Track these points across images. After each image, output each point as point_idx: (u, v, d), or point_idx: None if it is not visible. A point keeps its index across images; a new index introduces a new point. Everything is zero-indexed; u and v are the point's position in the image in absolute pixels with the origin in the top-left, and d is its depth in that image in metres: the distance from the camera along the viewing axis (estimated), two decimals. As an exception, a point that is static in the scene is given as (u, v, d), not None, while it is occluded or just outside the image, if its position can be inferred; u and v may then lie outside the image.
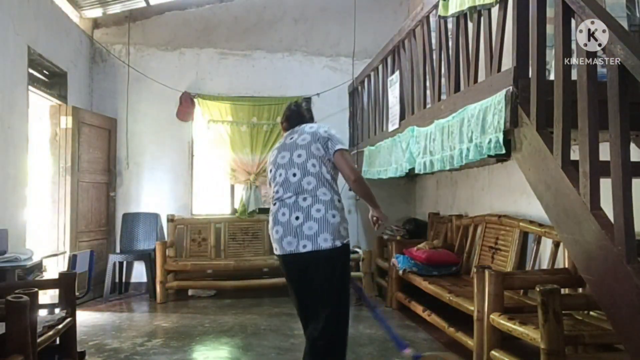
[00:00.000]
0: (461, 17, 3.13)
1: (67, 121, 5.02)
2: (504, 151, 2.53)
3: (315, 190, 2.49)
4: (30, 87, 4.37)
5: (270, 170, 2.64)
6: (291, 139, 2.65)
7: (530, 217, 3.67)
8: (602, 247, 1.80)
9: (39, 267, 3.85)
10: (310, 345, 2.60)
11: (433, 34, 3.74)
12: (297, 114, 2.77)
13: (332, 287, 2.52)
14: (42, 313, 3.05)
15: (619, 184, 1.73)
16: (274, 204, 2.56)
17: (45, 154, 4.99)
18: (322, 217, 2.45)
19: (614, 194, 1.76)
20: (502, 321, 2.71)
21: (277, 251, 2.55)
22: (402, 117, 4.33)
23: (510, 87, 2.44)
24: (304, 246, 2.43)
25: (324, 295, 2.52)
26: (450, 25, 3.35)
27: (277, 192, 2.56)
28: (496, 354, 2.76)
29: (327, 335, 2.57)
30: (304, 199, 2.48)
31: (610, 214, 1.80)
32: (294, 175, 2.52)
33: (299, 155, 2.55)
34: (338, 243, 2.46)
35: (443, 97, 3.54)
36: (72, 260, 3.49)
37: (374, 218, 2.85)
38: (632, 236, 1.71)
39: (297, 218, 2.45)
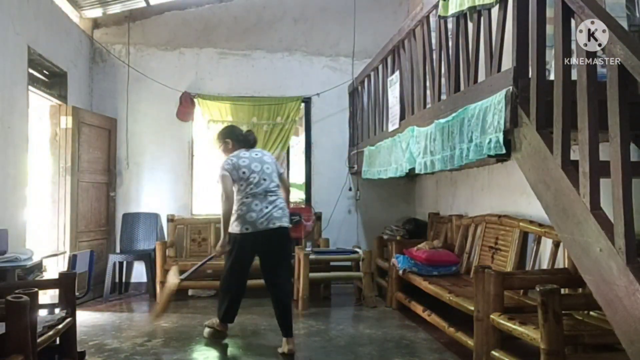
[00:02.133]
0: (461, 17, 3.13)
1: (67, 121, 5.01)
2: (504, 151, 2.53)
3: (277, 191, 3.74)
4: (30, 87, 4.37)
5: (244, 172, 3.64)
6: (256, 154, 3.79)
7: (530, 217, 3.68)
8: (602, 247, 1.81)
9: (39, 267, 3.85)
10: (282, 303, 3.71)
11: (433, 34, 3.74)
12: (255, 140, 3.94)
13: (289, 255, 3.92)
14: (42, 313, 3.05)
15: (619, 184, 1.74)
16: (247, 198, 3.60)
17: (45, 154, 4.99)
18: (283, 207, 3.72)
19: (614, 194, 1.76)
20: (502, 321, 2.71)
21: (248, 230, 3.56)
22: (402, 117, 4.33)
23: (510, 87, 2.44)
24: (274, 224, 3.60)
25: (286, 261, 3.82)
26: (450, 25, 3.35)
27: (251, 189, 3.62)
28: (496, 354, 2.76)
29: (289, 292, 3.92)
30: (271, 196, 3.67)
31: (610, 214, 1.80)
32: (264, 180, 3.68)
33: (267, 168, 3.74)
34: (289, 224, 3.75)
35: (443, 97, 3.54)
36: (72, 260, 3.49)
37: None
38: (632, 236, 1.71)
39: (266, 207, 3.61)
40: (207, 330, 3.98)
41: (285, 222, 3.66)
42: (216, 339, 3.89)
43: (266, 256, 3.67)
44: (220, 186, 3.68)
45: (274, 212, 3.61)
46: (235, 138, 3.89)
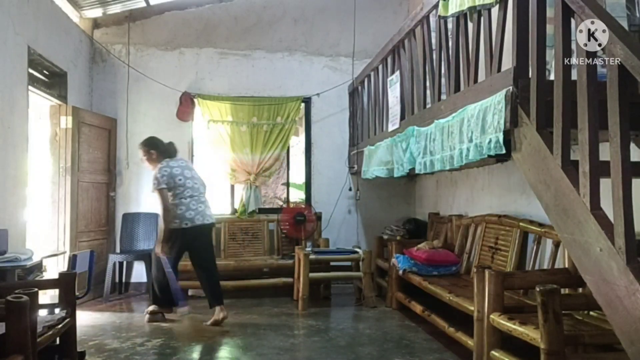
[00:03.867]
0: (461, 17, 3.13)
1: (67, 121, 5.01)
2: (504, 151, 2.53)
3: (204, 193, 4.51)
4: (30, 87, 4.37)
5: (180, 179, 4.32)
6: (182, 163, 4.50)
7: (530, 217, 3.68)
8: (602, 247, 1.81)
9: (39, 267, 3.84)
10: (213, 278, 4.42)
11: (433, 34, 3.74)
12: (176, 150, 4.58)
13: (212, 244, 4.62)
14: (42, 313, 3.05)
15: (619, 184, 1.74)
16: (185, 199, 4.31)
17: (45, 154, 4.99)
18: (209, 206, 4.50)
19: (614, 194, 1.76)
20: (502, 321, 2.71)
21: (187, 225, 4.25)
22: (402, 117, 4.33)
23: (510, 87, 2.44)
24: (207, 220, 4.39)
25: (211, 247, 4.54)
26: (450, 25, 3.35)
27: (188, 192, 4.34)
28: (496, 354, 2.76)
29: (216, 270, 4.52)
30: (201, 197, 4.44)
31: (610, 214, 1.80)
32: (195, 184, 4.42)
33: (194, 174, 4.50)
34: (214, 220, 4.54)
35: (443, 97, 3.54)
36: (72, 260, 3.49)
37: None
38: (632, 236, 1.71)
39: (200, 206, 4.36)
40: (148, 317, 4.46)
41: (212, 219, 4.49)
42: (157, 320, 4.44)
43: (199, 245, 4.38)
44: (159, 198, 4.25)
45: (205, 210, 4.40)
46: (159, 149, 4.47)
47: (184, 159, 4.59)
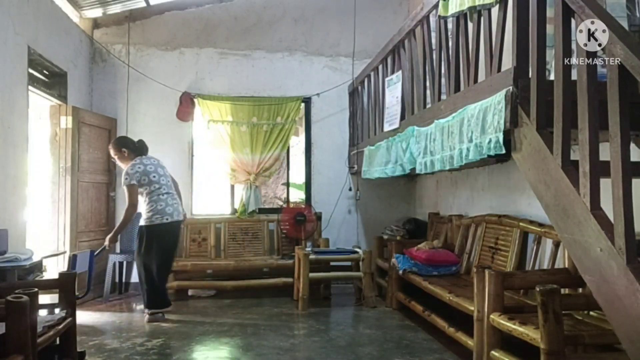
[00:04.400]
0: (461, 17, 3.13)
1: (67, 121, 5.01)
2: (504, 151, 2.54)
3: (175, 191, 4.62)
4: (30, 87, 4.37)
5: (154, 176, 4.40)
6: (154, 161, 4.53)
7: (530, 217, 3.67)
8: (602, 247, 1.81)
9: (39, 267, 3.84)
10: (166, 278, 4.64)
11: (433, 34, 3.74)
12: (147, 148, 4.63)
13: (178, 245, 4.82)
14: (42, 313, 3.05)
15: (619, 184, 1.74)
16: (162, 195, 4.40)
17: (45, 154, 4.99)
18: (180, 203, 4.62)
19: (614, 194, 1.76)
20: (502, 321, 2.71)
21: (167, 220, 4.37)
22: (402, 117, 4.33)
23: (510, 87, 2.44)
24: (180, 216, 4.55)
25: (176, 251, 4.76)
26: (450, 25, 3.35)
27: (163, 189, 4.42)
28: (496, 354, 2.76)
29: (166, 279, 4.68)
30: (173, 193, 4.54)
31: (610, 214, 1.80)
32: (168, 182, 4.53)
33: (166, 172, 4.58)
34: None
35: (443, 97, 3.54)
36: (72, 260, 3.49)
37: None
38: (632, 236, 1.71)
39: (174, 203, 4.49)
40: (148, 317, 4.47)
41: (182, 216, 4.62)
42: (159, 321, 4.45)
43: (169, 241, 4.47)
44: (128, 194, 4.32)
45: (178, 207, 4.53)
46: (130, 147, 4.53)
47: (155, 157, 4.63)
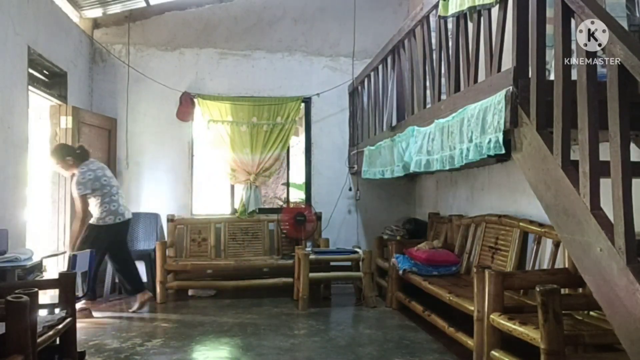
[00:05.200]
0: (461, 17, 3.13)
1: (67, 121, 5.01)
2: (503, 151, 2.53)
3: (121, 192, 4.76)
4: (30, 87, 4.37)
5: (105, 180, 4.53)
6: (99, 165, 4.63)
7: (530, 217, 3.68)
8: (602, 247, 1.81)
9: (39, 267, 3.85)
10: (134, 268, 4.81)
11: (433, 34, 3.74)
12: (89, 153, 4.66)
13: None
14: (42, 313, 3.05)
15: (619, 184, 1.74)
16: (113, 197, 4.54)
17: (45, 154, 4.99)
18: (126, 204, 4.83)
19: (614, 194, 1.76)
20: (502, 321, 2.71)
21: (120, 219, 4.54)
22: (402, 117, 4.33)
23: (510, 87, 2.44)
24: (129, 215, 4.71)
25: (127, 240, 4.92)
26: (450, 25, 3.35)
27: (114, 191, 4.58)
28: (496, 354, 2.76)
29: (134, 264, 4.88)
30: (121, 193, 4.73)
31: (610, 214, 1.80)
32: (116, 183, 4.70)
33: (111, 174, 4.73)
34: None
35: (443, 97, 3.54)
36: (72, 260, 3.49)
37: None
38: (632, 236, 1.71)
39: (124, 202, 4.68)
40: (137, 305, 4.75)
41: (130, 214, 4.81)
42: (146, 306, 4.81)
43: (122, 239, 4.72)
44: (81, 204, 4.40)
45: (126, 206, 4.75)
46: (74, 155, 4.51)
47: (97, 161, 4.73)
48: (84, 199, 4.41)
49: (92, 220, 4.49)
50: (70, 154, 4.50)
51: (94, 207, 4.49)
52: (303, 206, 6.28)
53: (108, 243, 4.51)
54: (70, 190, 4.57)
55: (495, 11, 2.75)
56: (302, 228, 5.78)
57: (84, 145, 4.69)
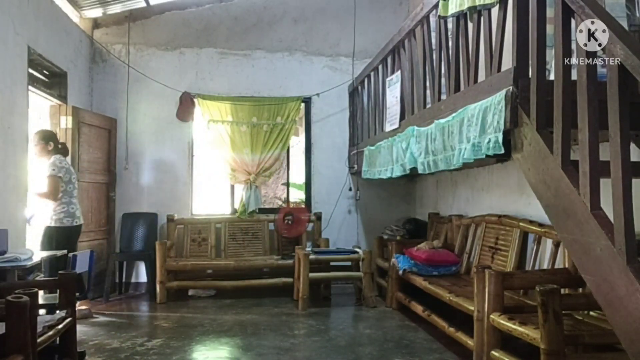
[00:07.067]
0: (461, 17, 3.13)
1: (67, 121, 5.01)
2: (502, 151, 2.54)
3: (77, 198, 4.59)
4: (30, 87, 4.37)
5: (73, 177, 4.44)
6: (67, 163, 4.44)
7: (530, 217, 3.68)
8: (602, 247, 1.80)
9: (39, 267, 3.84)
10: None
11: (433, 34, 3.73)
12: (69, 151, 4.62)
13: None
14: (42, 313, 3.05)
15: (619, 184, 1.74)
16: (73, 197, 4.40)
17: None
18: None
19: (614, 194, 1.76)
20: (502, 321, 2.71)
21: (77, 223, 4.41)
22: (402, 117, 4.33)
23: (510, 87, 2.44)
24: (81, 222, 4.51)
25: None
26: (450, 25, 3.35)
27: (74, 191, 4.43)
28: (496, 354, 2.76)
29: None
30: (78, 200, 4.55)
31: (610, 214, 1.80)
32: (77, 188, 4.53)
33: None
34: None
35: (443, 97, 3.54)
36: (72, 260, 3.49)
37: None
38: (632, 236, 1.71)
39: (79, 208, 4.49)
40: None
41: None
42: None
43: (75, 242, 4.48)
44: (51, 184, 4.21)
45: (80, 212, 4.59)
46: (56, 144, 4.43)
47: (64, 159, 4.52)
48: (54, 179, 4.21)
49: (48, 222, 4.27)
50: (54, 143, 4.40)
51: (54, 203, 4.30)
52: (294, 206, 6.29)
53: (62, 246, 4.19)
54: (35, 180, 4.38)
55: (495, 11, 2.75)
56: (292, 227, 5.80)
57: (66, 144, 4.66)
